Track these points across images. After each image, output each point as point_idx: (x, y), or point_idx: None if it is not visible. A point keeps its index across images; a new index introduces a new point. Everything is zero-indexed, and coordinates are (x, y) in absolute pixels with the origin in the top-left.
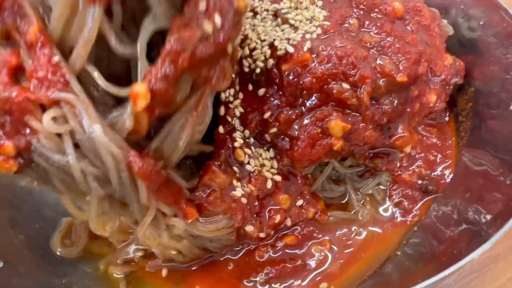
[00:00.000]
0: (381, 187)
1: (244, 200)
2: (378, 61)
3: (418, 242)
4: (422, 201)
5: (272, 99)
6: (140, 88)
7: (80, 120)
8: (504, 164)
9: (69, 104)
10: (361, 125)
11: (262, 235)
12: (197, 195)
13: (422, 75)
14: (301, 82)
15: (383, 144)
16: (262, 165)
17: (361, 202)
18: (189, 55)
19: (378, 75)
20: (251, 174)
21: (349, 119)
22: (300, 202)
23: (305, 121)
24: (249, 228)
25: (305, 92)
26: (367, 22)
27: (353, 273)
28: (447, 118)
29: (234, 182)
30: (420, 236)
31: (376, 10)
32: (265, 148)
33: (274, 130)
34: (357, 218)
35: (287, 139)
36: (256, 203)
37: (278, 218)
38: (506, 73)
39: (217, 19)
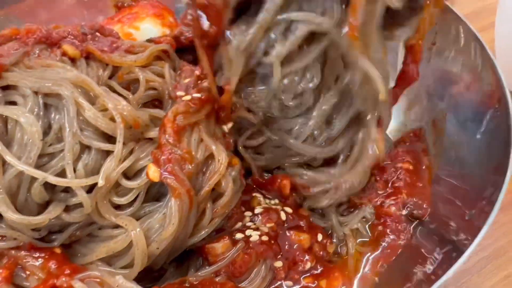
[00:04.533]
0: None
1: (265, 238)
2: None
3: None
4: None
5: None
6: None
7: None
8: None
9: None
10: None
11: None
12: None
13: None
14: None
15: None
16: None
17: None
18: None
19: None
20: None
21: None
22: (320, 237)
23: None
24: (278, 264)
25: None
26: None
27: None
28: None
29: (239, 235)
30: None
31: None
32: None
33: None
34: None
35: None
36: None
37: (308, 264)
38: None
39: None
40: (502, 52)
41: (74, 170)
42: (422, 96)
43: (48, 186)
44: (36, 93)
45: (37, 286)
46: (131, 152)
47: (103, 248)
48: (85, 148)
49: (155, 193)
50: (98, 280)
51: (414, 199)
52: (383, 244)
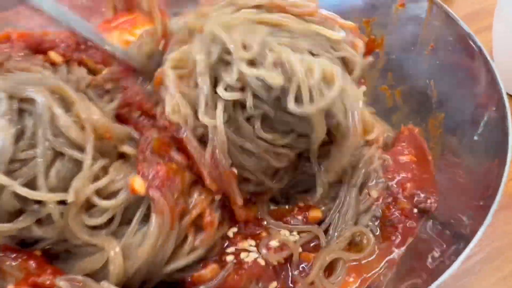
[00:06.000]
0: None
1: (262, 262)
2: None
3: None
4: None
5: None
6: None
7: None
8: None
9: None
10: None
11: None
12: None
13: None
14: None
15: None
16: None
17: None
18: None
19: None
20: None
21: None
22: None
23: None
24: (272, 285)
25: None
26: None
27: None
28: None
29: (229, 258)
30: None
31: None
32: None
33: None
34: None
35: None
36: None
37: None
38: None
39: None
40: (499, 54)
41: (46, 177)
42: (418, 98)
43: (20, 195)
44: (11, 97)
45: (18, 283)
46: (105, 171)
47: (80, 266)
48: (58, 154)
49: (132, 215)
50: (80, 284)
51: (422, 191)
52: (393, 239)
